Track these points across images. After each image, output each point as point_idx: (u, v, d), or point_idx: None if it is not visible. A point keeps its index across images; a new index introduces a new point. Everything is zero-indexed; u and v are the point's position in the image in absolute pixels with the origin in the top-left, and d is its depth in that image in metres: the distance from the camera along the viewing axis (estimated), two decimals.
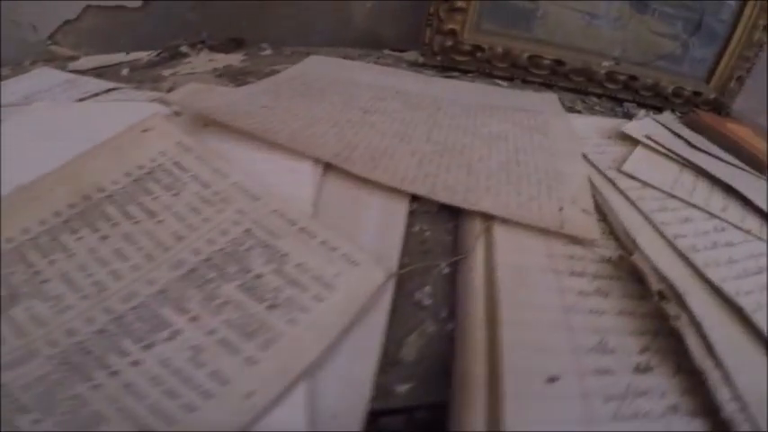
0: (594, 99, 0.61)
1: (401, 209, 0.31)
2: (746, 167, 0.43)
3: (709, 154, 0.42)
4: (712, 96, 0.63)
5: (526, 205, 0.30)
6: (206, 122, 0.36)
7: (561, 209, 0.30)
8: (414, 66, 0.61)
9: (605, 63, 0.60)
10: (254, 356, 0.20)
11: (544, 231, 0.29)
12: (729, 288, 0.25)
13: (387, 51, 0.67)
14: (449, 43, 0.58)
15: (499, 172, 0.34)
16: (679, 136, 0.45)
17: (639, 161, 0.36)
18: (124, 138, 0.32)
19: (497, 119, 0.43)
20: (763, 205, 0.33)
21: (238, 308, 0.22)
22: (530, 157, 0.36)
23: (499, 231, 0.29)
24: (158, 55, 0.62)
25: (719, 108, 0.64)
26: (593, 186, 0.33)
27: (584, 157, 0.37)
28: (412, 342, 0.22)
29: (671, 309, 0.23)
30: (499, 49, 0.58)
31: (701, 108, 0.64)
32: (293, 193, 0.29)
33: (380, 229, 0.28)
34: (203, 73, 0.55)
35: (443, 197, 0.31)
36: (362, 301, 0.22)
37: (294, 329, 0.21)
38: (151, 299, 0.22)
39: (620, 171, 0.35)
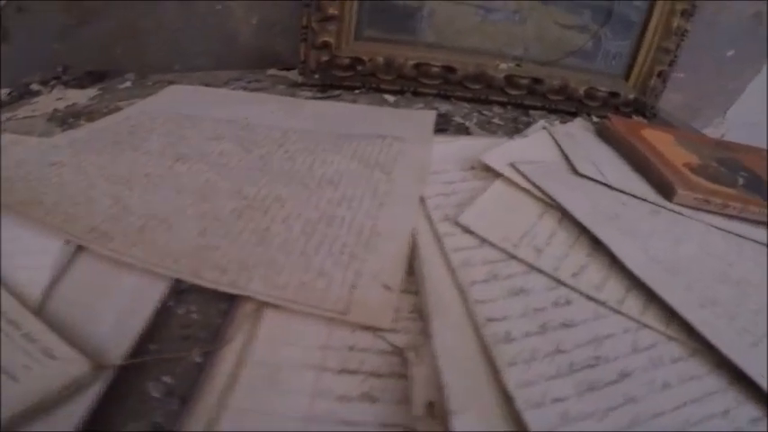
0: (497, 109, 0.54)
1: (156, 291, 0.24)
2: (649, 195, 0.36)
3: (598, 181, 0.36)
4: (632, 96, 0.56)
5: (310, 285, 0.24)
6: None
7: (354, 287, 0.24)
8: (293, 86, 0.54)
9: (503, 66, 0.53)
10: None
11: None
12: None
13: (271, 72, 0.60)
14: (324, 58, 0.51)
15: (298, 238, 0.27)
16: (567, 158, 0.39)
17: (485, 207, 0.30)
18: None
19: (344, 154, 0.36)
20: (633, 263, 0.27)
21: None
22: (351, 212, 0.29)
23: (270, 317, 0.23)
24: (9, 94, 0.55)
25: (642, 109, 0.57)
26: (416, 247, 0.26)
27: (422, 202, 0.30)
28: None
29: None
30: (381, 60, 0.51)
31: (621, 111, 0.57)
32: (28, 278, 0.25)
33: (123, 315, 0.24)
34: (41, 115, 0.48)
35: (208, 281, 0.24)
36: (49, 394, 0.19)
37: None
38: None
39: (456, 223, 0.28)
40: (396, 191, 0.32)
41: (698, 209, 0.36)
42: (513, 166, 0.33)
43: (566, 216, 0.30)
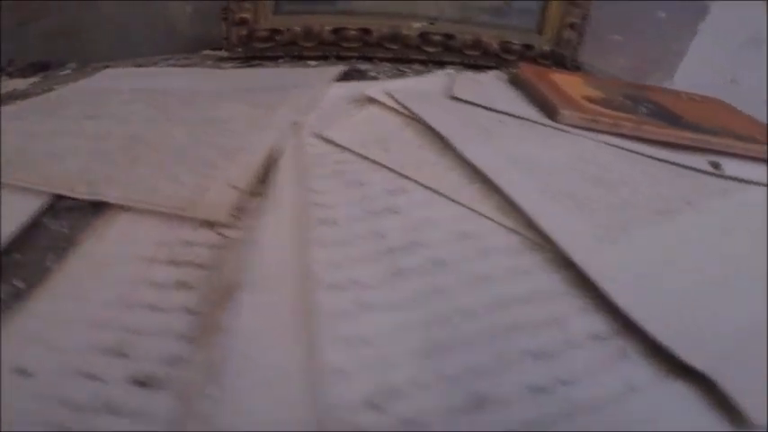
0: (417, 67, 0.57)
1: (31, 207, 0.26)
2: (533, 116, 0.38)
3: (476, 104, 0.38)
4: (547, 48, 0.58)
5: (162, 188, 0.26)
6: None
7: (205, 190, 0.26)
8: (219, 61, 0.57)
9: (416, 25, 0.56)
10: None
11: (178, 217, 0.24)
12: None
13: (205, 52, 0.63)
14: (243, 33, 0.54)
15: (168, 158, 0.29)
16: (460, 99, 0.40)
17: (352, 124, 0.32)
18: None
19: (238, 101, 0.39)
20: (478, 158, 0.28)
21: None
22: (224, 137, 0.32)
23: (122, 220, 0.24)
24: None
25: (562, 61, 0.59)
26: (276, 158, 0.29)
27: (299, 126, 0.32)
28: None
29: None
30: (298, 29, 0.54)
31: (541, 63, 0.59)
32: None
33: None
34: None
35: (76, 192, 0.26)
36: None
37: None
38: None
39: (321, 136, 0.30)
40: (275, 120, 0.34)
41: (589, 129, 0.37)
42: (387, 92, 0.36)
43: (429, 129, 0.32)
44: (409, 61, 0.57)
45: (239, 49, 0.55)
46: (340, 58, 0.56)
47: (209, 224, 0.24)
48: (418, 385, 0.16)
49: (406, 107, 0.34)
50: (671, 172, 0.34)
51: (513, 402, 0.15)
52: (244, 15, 0.53)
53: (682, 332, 0.18)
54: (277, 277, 0.20)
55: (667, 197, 0.29)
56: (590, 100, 0.41)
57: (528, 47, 0.58)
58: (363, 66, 0.54)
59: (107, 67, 0.57)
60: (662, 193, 0.29)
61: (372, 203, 0.25)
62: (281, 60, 0.56)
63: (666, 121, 0.39)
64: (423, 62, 0.58)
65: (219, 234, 0.24)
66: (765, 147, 0.38)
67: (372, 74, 0.52)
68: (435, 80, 0.43)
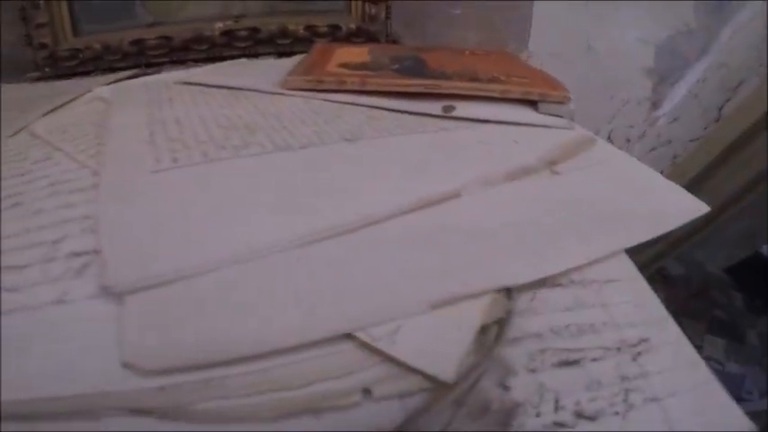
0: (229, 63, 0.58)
1: None
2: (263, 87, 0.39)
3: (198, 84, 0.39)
4: (354, 26, 0.60)
5: None
6: None
7: None
8: (37, 81, 0.58)
9: (219, 24, 0.57)
10: None
11: None
12: None
13: (29, 74, 0.64)
14: (44, 55, 0.55)
15: None
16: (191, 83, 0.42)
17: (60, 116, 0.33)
18: None
19: None
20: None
21: None
22: None
23: None
24: None
25: (375, 38, 0.61)
26: None
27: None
28: None
29: None
30: (97, 46, 0.55)
31: (355, 42, 0.61)
32: None
33: None
34: None
35: None
36: None
37: None
38: None
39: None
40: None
41: (314, 90, 0.39)
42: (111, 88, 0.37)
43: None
44: (223, 58, 0.58)
45: (47, 70, 0.56)
46: (150, 65, 0.57)
47: None
48: None
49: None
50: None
51: None
52: (43, 41, 0.54)
53: None
54: None
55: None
56: (346, 66, 0.43)
57: (336, 27, 0.59)
58: (170, 69, 0.56)
59: None
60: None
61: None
62: (92, 74, 0.57)
63: (411, 74, 0.41)
64: (239, 57, 0.59)
65: None
66: (502, 87, 0.40)
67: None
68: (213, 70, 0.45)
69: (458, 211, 0.25)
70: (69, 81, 0.52)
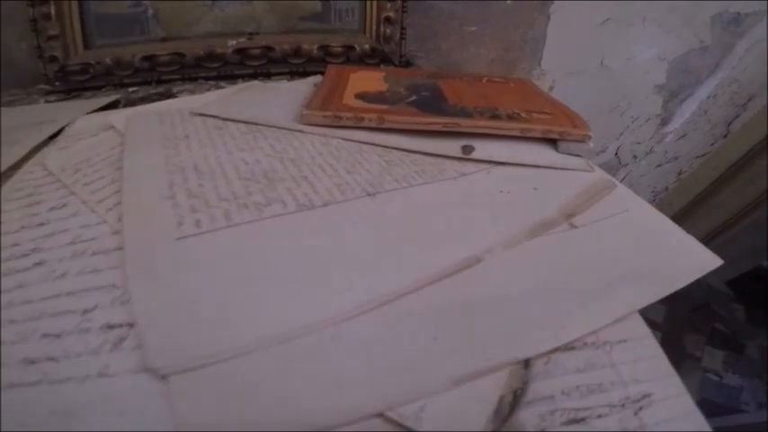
0: (242, 82, 0.57)
1: None
2: (282, 123, 0.39)
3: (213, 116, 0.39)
4: (367, 47, 0.59)
5: None
6: None
7: None
8: (47, 94, 0.57)
9: (232, 42, 0.56)
10: None
11: None
12: None
13: (40, 86, 0.63)
14: (55, 69, 0.54)
15: None
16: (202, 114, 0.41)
17: (74, 150, 0.33)
18: None
19: None
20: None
21: None
22: None
23: None
24: None
25: (389, 59, 0.61)
26: None
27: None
28: None
29: None
30: (108, 61, 0.54)
31: (369, 63, 0.60)
32: None
33: None
34: None
35: None
36: None
37: None
38: None
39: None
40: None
41: (334, 126, 0.38)
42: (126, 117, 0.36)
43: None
44: (233, 77, 0.58)
45: (57, 83, 0.55)
46: (160, 82, 0.56)
47: None
48: None
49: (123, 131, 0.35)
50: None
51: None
52: (53, 54, 0.53)
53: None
54: None
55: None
56: (362, 97, 0.43)
57: (350, 47, 0.59)
58: (186, 86, 0.55)
59: None
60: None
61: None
62: (103, 89, 0.56)
63: (429, 108, 0.40)
64: (251, 76, 0.58)
65: None
66: (522, 126, 0.39)
67: (174, 91, 0.53)
68: (225, 93, 0.44)
69: (479, 278, 0.25)
70: (55, 104, 0.51)
